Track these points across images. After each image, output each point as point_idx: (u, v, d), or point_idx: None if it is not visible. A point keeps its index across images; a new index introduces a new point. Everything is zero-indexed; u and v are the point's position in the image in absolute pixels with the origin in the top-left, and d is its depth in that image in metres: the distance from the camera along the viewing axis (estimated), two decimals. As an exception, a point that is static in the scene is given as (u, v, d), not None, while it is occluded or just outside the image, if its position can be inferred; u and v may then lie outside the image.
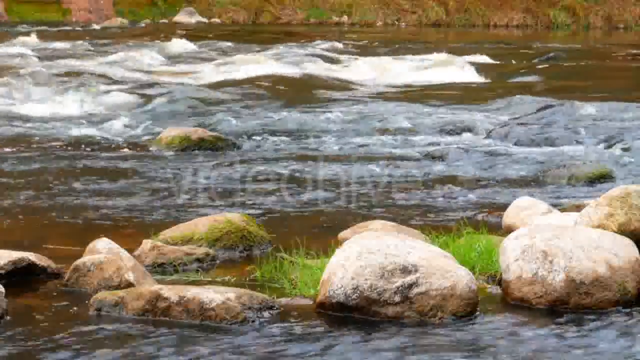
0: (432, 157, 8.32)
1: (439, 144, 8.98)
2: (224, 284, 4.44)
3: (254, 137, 9.47)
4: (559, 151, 8.53)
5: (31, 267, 4.47)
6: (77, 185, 7.03)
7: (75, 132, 9.75)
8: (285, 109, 11.30)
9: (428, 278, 3.89)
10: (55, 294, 4.29)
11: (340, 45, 21.59)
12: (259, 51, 19.81)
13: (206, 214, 5.64)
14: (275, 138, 9.49)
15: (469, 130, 9.85)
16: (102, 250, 4.47)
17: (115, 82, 13.39)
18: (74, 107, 11.35)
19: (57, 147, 8.81)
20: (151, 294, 3.90)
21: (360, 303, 3.88)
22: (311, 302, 4.07)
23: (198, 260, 4.85)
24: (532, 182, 7.37)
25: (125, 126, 10.08)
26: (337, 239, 5.13)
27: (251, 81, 14.24)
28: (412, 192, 6.92)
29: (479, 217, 6.07)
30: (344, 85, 14.42)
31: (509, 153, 8.39)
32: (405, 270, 3.89)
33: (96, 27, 28.74)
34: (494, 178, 7.53)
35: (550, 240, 4.07)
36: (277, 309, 3.96)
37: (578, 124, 9.57)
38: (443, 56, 18.12)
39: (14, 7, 32.40)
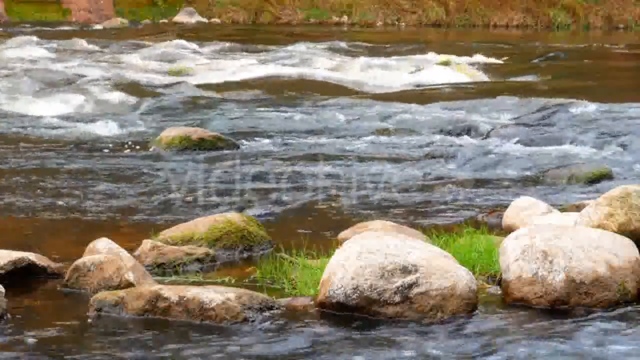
0: (432, 157, 8.31)
1: (439, 144, 8.98)
2: (224, 284, 4.44)
3: (254, 137, 9.47)
4: (559, 151, 8.53)
5: (31, 267, 4.47)
6: (77, 185, 7.02)
7: (75, 132, 9.75)
8: (285, 109, 11.29)
9: (428, 278, 3.89)
10: (55, 294, 4.29)
11: (340, 45, 21.58)
12: (259, 51, 19.81)
13: (206, 214, 5.64)
14: (275, 138, 9.48)
15: (469, 130, 9.84)
16: (102, 250, 4.47)
17: (115, 82, 13.38)
18: (74, 107, 11.35)
19: (57, 147, 8.81)
20: (151, 294, 3.90)
21: (360, 303, 3.88)
22: (311, 302, 4.08)
23: (198, 260, 4.85)
24: (532, 182, 7.37)
25: (125, 126, 10.08)
26: (337, 239, 5.13)
27: (251, 81, 14.24)
28: (412, 192, 6.92)
29: (479, 217, 6.07)
30: (344, 86, 14.41)
31: (509, 153, 8.38)
32: (405, 270, 3.89)
33: (96, 27, 28.73)
34: (494, 178, 7.52)
35: (550, 240, 4.07)
36: (277, 309, 3.96)
37: (578, 124, 9.56)
38: (443, 56, 18.11)
39: (14, 7, 32.39)
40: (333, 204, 6.52)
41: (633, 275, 4.08)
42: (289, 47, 20.28)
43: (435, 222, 5.90)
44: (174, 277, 4.59)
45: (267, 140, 9.33)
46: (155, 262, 4.76)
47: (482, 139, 9.36)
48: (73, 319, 3.89)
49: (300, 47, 20.48)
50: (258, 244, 5.16)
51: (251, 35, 25.74)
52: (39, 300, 4.20)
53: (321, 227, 5.79)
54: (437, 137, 9.58)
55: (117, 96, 12.03)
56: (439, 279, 3.89)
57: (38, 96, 11.79)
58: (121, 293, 3.97)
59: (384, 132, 9.84)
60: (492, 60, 18.52)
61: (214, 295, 3.86)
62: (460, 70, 16.23)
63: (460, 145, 8.83)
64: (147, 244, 4.85)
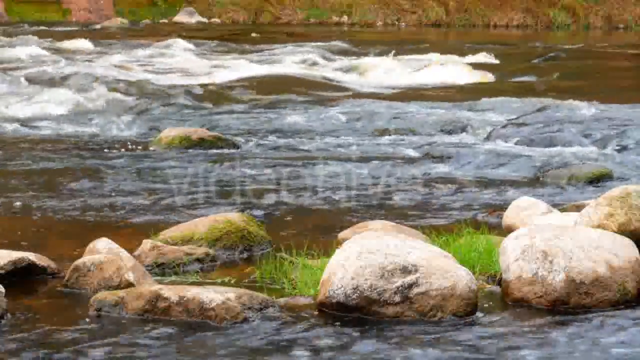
0: (432, 157, 8.31)
1: (439, 144, 8.98)
2: (224, 284, 4.44)
3: (253, 137, 9.47)
4: (559, 151, 8.53)
5: (31, 267, 4.47)
6: (77, 185, 7.02)
7: (75, 132, 9.75)
8: (285, 109, 11.30)
9: (428, 278, 3.89)
10: (55, 294, 4.29)
11: (340, 46, 21.59)
12: (258, 51, 19.81)
13: (206, 214, 5.64)
14: (275, 138, 9.49)
15: (469, 130, 9.85)
16: (102, 250, 4.47)
17: (115, 82, 13.38)
18: (73, 107, 11.34)
19: (56, 147, 8.81)
20: (151, 294, 3.90)
21: (360, 303, 3.88)
22: (311, 302, 4.08)
23: (198, 260, 4.85)
24: (532, 182, 7.37)
25: (125, 126, 10.08)
26: (337, 239, 5.13)
27: (251, 81, 14.24)
28: (412, 192, 6.92)
29: (479, 217, 6.07)
30: (344, 86, 14.42)
31: (509, 153, 8.38)
32: (405, 270, 3.89)
33: (96, 27, 28.74)
34: (494, 178, 7.53)
35: (550, 240, 4.07)
36: (277, 309, 3.96)
37: (578, 124, 9.56)
38: (443, 56, 18.12)
39: (14, 7, 32.40)
40: (333, 204, 6.52)
41: (633, 275, 4.08)
42: (289, 47, 20.29)
43: (435, 222, 5.90)
44: (174, 277, 4.60)
45: (267, 140, 9.34)
46: (155, 262, 4.76)
47: (482, 139, 9.36)
48: (73, 319, 3.89)
49: (300, 47, 20.48)
50: (258, 244, 5.16)
51: (250, 35, 25.74)
52: (39, 300, 4.20)
53: (321, 227, 5.79)
54: (437, 137, 9.58)
55: (116, 96, 12.03)
56: (439, 279, 3.89)
57: (36, 96, 11.79)
58: (121, 293, 3.97)
59: (384, 132, 9.85)
60: (492, 60, 18.52)
61: (214, 295, 3.86)
62: (460, 70, 16.21)
63: (461, 145, 8.83)
64: (147, 244, 4.85)
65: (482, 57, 18.68)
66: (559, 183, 7.28)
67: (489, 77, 16.04)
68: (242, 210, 6.00)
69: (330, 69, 16.56)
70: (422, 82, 15.04)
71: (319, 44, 21.66)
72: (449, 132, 9.81)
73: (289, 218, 6.13)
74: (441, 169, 7.89)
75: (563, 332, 3.74)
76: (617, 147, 8.67)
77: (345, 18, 35.01)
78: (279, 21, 34.55)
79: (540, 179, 7.47)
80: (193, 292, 3.88)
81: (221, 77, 15.06)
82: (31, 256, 4.50)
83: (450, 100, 12.21)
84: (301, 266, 4.55)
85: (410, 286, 3.87)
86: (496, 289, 4.26)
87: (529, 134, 9.30)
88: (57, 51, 19.01)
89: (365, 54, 19.20)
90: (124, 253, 4.43)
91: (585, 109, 10.31)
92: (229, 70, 16.01)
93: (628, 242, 4.19)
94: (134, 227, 5.76)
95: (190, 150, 8.56)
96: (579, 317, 3.90)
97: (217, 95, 12.76)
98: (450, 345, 3.61)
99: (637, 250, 4.17)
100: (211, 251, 4.94)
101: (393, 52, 18.87)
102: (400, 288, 3.86)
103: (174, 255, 4.82)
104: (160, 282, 4.29)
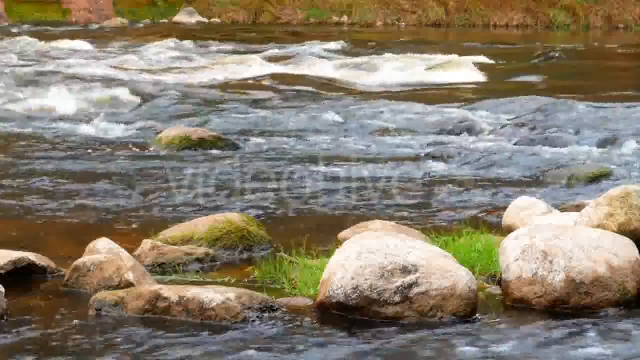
0: (432, 157, 8.31)
1: (439, 144, 8.98)
2: (224, 284, 4.44)
3: (253, 137, 9.47)
4: (559, 151, 8.53)
5: (31, 267, 4.47)
6: (77, 185, 7.02)
7: (75, 132, 9.74)
8: (285, 109, 11.30)
9: (428, 278, 3.89)
10: (55, 294, 4.29)
11: (340, 46, 21.59)
12: (258, 51, 19.82)
13: (206, 214, 5.64)
14: (275, 138, 9.48)
15: (469, 130, 9.85)
16: (102, 250, 4.47)
17: (115, 82, 13.38)
18: (74, 107, 11.34)
19: (57, 147, 8.81)
20: (151, 294, 3.90)
21: (360, 303, 3.88)
22: (311, 302, 4.08)
23: (198, 260, 4.85)
24: (532, 182, 7.37)
25: (125, 126, 10.08)
26: (337, 239, 5.13)
27: (251, 81, 14.25)
28: (412, 192, 6.92)
29: (479, 217, 6.07)
30: (344, 85, 14.41)
31: (509, 153, 8.38)
32: (405, 270, 3.89)
33: (95, 27, 28.73)
34: (494, 178, 7.52)
35: (550, 240, 4.07)
36: (277, 309, 3.96)
37: (578, 124, 9.56)
38: (443, 56, 18.11)
39: (14, 7, 32.41)
40: (333, 204, 6.52)
41: (633, 275, 4.08)
42: (289, 47, 20.29)
43: (435, 222, 5.90)
44: (174, 277, 4.59)
45: (267, 140, 9.33)
46: (155, 262, 4.76)
47: (482, 139, 9.36)
48: (73, 319, 3.89)
49: (300, 47, 20.48)
50: (258, 244, 5.15)
51: (251, 35, 25.73)
52: (39, 300, 4.20)
53: (321, 227, 5.79)
54: (437, 137, 9.58)
55: (116, 96, 12.03)
56: (439, 279, 3.89)
57: (36, 96, 11.78)
58: (121, 293, 3.97)
59: (384, 132, 9.84)
60: (492, 60, 18.52)
61: (214, 295, 3.86)
62: (460, 70, 16.21)
63: (460, 145, 8.83)
64: (147, 244, 4.85)
65: (482, 57, 18.68)
66: (559, 183, 7.28)
67: (488, 77, 16.03)
68: (242, 211, 6.00)
69: (330, 69, 16.55)
70: (422, 82, 15.03)
71: (319, 43, 21.65)
72: (449, 132, 9.81)
73: (289, 218, 6.13)
74: (441, 169, 7.89)
75: (563, 333, 3.74)
76: (617, 147, 8.67)
77: (345, 18, 35.01)
78: (279, 21, 34.55)
79: (540, 179, 7.47)
80: (193, 292, 3.88)
81: (221, 77, 15.06)
82: (31, 256, 4.50)
83: (450, 100, 12.20)
84: (301, 266, 4.55)
85: (410, 286, 3.87)
86: (496, 289, 4.26)
87: (529, 134, 9.29)
88: (56, 51, 19.00)
89: (365, 54, 19.19)
90: (124, 253, 4.43)
91: (585, 109, 10.30)
92: (229, 70, 16.01)
93: (628, 242, 4.19)
94: (134, 227, 5.76)
95: (190, 151, 8.55)
96: (579, 317, 3.90)
97: (217, 95, 12.75)
98: (450, 346, 3.61)
99: (637, 250, 4.17)
100: (211, 251, 4.94)
101: (393, 52, 18.87)
102: (400, 288, 3.86)
103: (174, 255, 4.82)
104: (160, 282, 4.29)
